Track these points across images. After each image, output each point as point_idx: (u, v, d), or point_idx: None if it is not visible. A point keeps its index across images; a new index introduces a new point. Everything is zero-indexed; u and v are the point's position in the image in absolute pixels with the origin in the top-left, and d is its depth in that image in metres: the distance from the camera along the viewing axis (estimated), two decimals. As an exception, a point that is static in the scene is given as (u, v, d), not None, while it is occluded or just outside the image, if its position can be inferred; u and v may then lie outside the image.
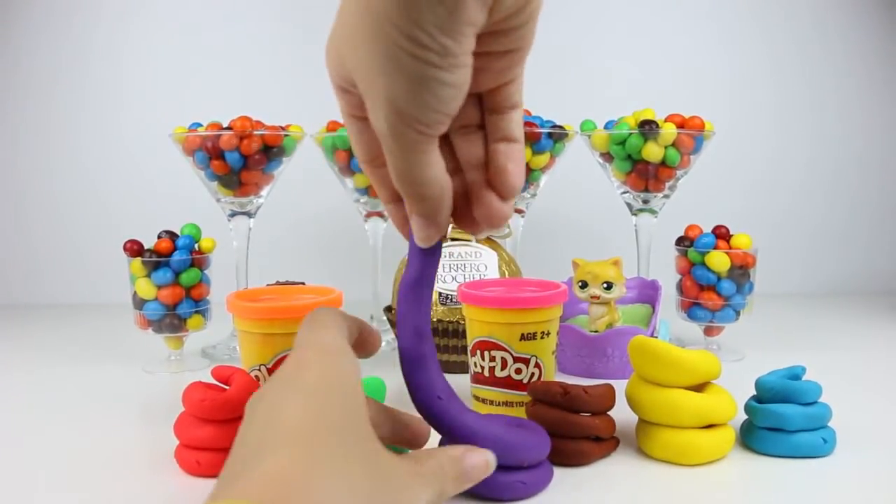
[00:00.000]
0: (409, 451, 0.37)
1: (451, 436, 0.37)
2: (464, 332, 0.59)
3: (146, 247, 0.65)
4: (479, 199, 0.34)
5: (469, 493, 0.38)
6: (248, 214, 0.74)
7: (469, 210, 0.35)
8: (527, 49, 0.31)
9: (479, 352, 0.51)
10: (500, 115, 0.33)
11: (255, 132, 0.68)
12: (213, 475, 0.42)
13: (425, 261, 0.37)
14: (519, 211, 0.79)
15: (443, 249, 0.68)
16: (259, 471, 0.25)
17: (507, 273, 0.69)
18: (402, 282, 0.38)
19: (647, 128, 0.69)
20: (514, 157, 0.34)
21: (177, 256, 0.64)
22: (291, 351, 0.32)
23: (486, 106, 0.34)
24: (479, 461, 0.35)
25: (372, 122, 0.31)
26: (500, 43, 0.30)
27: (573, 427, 0.43)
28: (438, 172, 0.32)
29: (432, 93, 0.28)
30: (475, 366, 0.52)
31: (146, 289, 0.64)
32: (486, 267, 0.67)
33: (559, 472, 0.41)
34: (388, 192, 0.37)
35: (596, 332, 0.64)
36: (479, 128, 0.34)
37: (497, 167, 0.34)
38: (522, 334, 0.50)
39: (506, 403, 0.51)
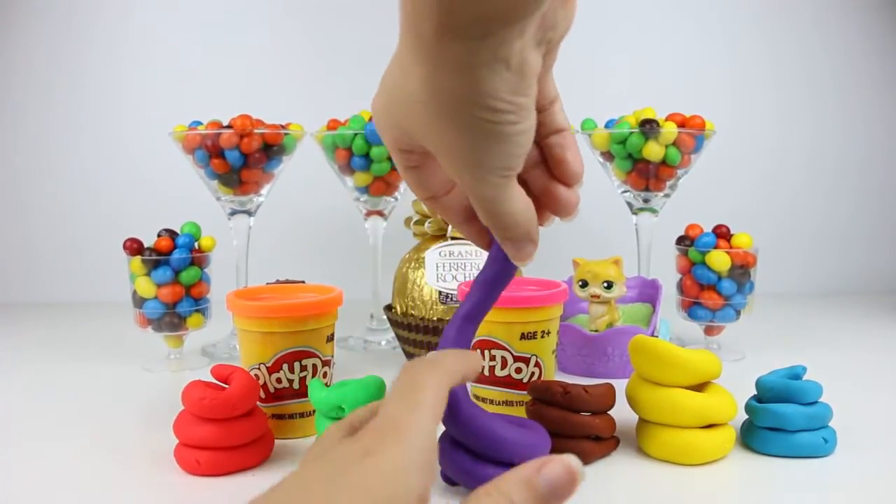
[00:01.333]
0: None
1: (454, 421, 0.36)
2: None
3: (146, 245, 0.65)
4: (548, 193, 0.35)
5: (469, 492, 0.38)
6: (248, 213, 0.74)
7: (539, 210, 0.36)
8: (556, 51, 0.33)
9: (479, 351, 0.51)
10: (544, 112, 0.34)
11: (256, 131, 0.68)
12: (213, 474, 0.42)
13: (490, 294, 0.38)
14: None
15: (443, 249, 0.68)
16: None
17: (507, 272, 0.68)
18: (458, 314, 0.38)
19: (648, 127, 0.69)
20: (568, 145, 0.35)
21: (177, 255, 0.64)
22: (382, 409, 0.27)
23: None
24: (559, 473, 0.27)
25: (457, 180, 0.33)
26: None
27: (573, 426, 0.43)
28: (524, 200, 0.33)
29: (513, 143, 0.30)
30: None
31: (146, 287, 0.64)
32: (486, 266, 0.67)
33: (559, 472, 0.41)
34: (455, 216, 0.38)
35: (596, 331, 0.64)
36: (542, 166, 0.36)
37: (556, 159, 0.35)
38: (522, 333, 0.50)
39: (506, 402, 0.51)
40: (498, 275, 0.38)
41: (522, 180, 0.36)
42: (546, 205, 0.36)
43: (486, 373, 0.51)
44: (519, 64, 0.28)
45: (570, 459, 0.27)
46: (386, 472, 0.24)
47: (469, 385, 0.53)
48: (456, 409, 0.36)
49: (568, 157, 0.35)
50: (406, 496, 0.24)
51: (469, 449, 0.37)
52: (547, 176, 0.35)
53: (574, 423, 0.43)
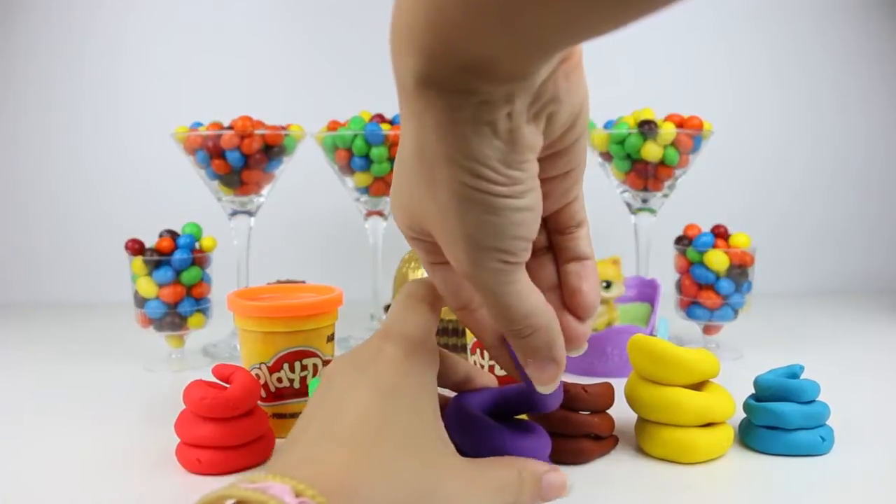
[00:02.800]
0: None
1: (456, 419, 0.37)
2: (464, 330, 0.59)
3: (147, 245, 0.65)
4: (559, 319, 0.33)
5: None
6: (249, 213, 0.74)
7: None
8: (583, 166, 0.31)
9: (478, 350, 0.51)
10: (568, 235, 0.33)
11: (256, 132, 0.68)
12: (215, 473, 0.42)
13: (500, 405, 0.37)
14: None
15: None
16: (318, 461, 0.27)
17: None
18: (466, 398, 0.37)
19: (647, 127, 0.70)
20: (587, 275, 0.33)
21: (178, 255, 0.64)
22: (379, 329, 0.34)
23: (551, 228, 0.33)
24: (558, 482, 0.33)
25: (454, 266, 0.30)
26: (558, 165, 0.30)
27: (572, 425, 0.43)
28: (538, 301, 0.31)
29: (508, 220, 0.28)
30: (475, 364, 0.52)
31: (147, 287, 0.64)
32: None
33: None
34: (489, 336, 0.36)
35: (595, 330, 0.64)
36: (548, 250, 0.34)
37: (571, 289, 0.33)
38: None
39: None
40: (521, 398, 0.36)
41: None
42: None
43: (486, 372, 0.51)
44: (507, 132, 0.26)
45: (568, 478, 0.34)
46: (392, 360, 0.31)
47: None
48: (464, 421, 0.36)
49: (584, 289, 0.33)
50: (408, 377, 0.31)
51: (470, 453, 0.37)
52: (560, 304, 0.34)
53: (573, 421, 0.43)
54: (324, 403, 0.31)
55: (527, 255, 0.30)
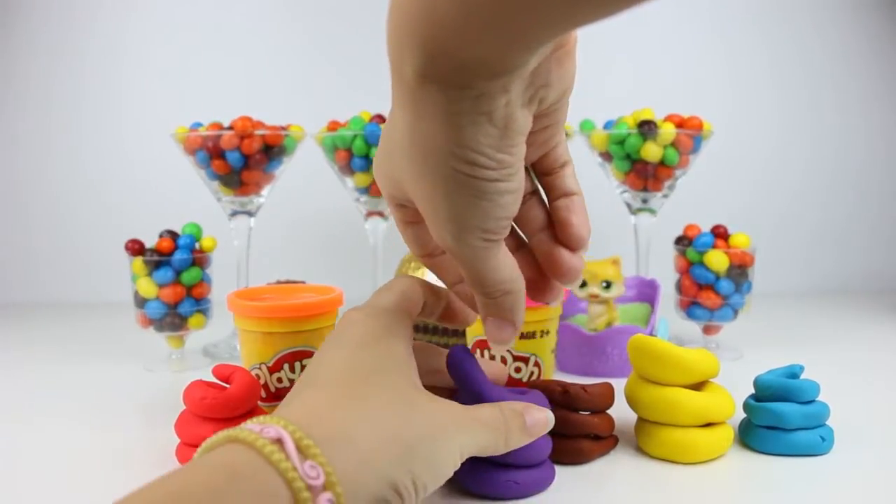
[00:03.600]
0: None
1: (465, 389, 0.38)
2: (464, 331, 0.59)
3: (147, 246, 0.65)
4: (550, 257, 0.35)
5: (467, 492, 0.39)
6: (249, 214, 0.74)
7: (540, 280, 0.36)
8: (564, 117, 0.32)
9: (478, 350, 0.51)
10: (554, 175, 0.34)
11: (256, 132, 0.68)
12: (215, 473, 0.42)
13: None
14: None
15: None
16: (297, 401, 0.30)
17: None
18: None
19: (646, 128, 0.70)
20: (575, 209, 0.34)
21: (178, 255, 0.64)
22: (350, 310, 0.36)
23: (538, 171, 0.35)
24: (541, 418, 0.36)
25: (437, 239, 0.32)
26: (540, 123, 0.31)
27: (572, 425, 0.43)
28: (511, 271, 0.32)
29: (494, 203, 0.29)
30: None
31: (147, 288, 0.64)
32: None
33: (558, 471, 0.42)
34: (450, 277, 0.38)
35: (595, 330, 0.64)
36: (534, 193, 0.35)
37: (561, 222, 0.34)
38: (522, 333, 0.50)
39: (505, 402, 0.51)
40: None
41: (528, 246, 0.36)
42: (548, 269, 0.35)
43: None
44: (503, 119, 0.27)
45: (548, 413, 0.37)
46: (361, 321, 0.34)
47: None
48: (471, 383, 0.37)
49: (573, 221, 0.34)
50: (378, 332, 0.34)
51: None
52: (552, 240, 0.35)
53: (573, 421, 0.43)
54: (309, 365, 0.33)
55: (506, 232, 0.31)
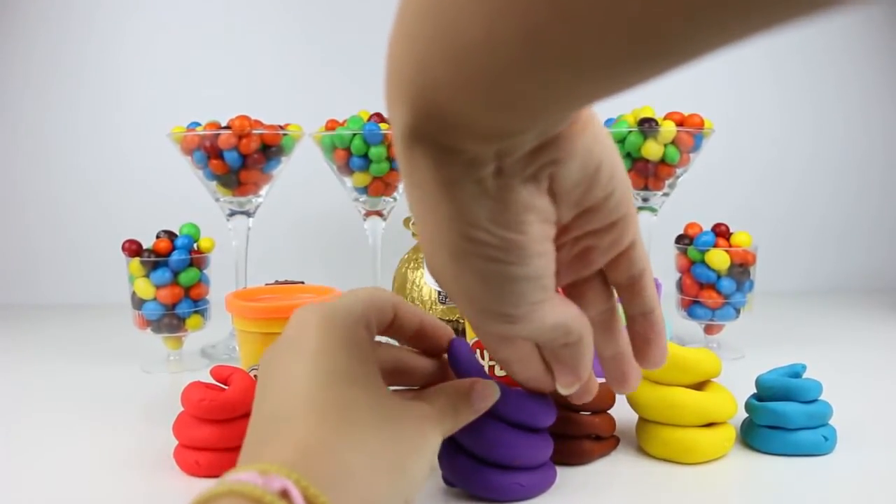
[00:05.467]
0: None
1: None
2: (463, 331, 0.59)
3: (145, 247, 0.65)
4: (615, 368, 0.34)
5: (469, 494, 0.38)
6: (247, 214, 0.74)
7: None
8: (632, 214, 0.30)
9: (478, 351, 0.51)
10: (630, 288, 0.32)
11: (254, 131, 0.68)
12: (213, 475, 0.42)
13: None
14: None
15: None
16: (281, 439, 0.27)
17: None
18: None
19: (647, 126, 0.69)
20: (654, 332, 0.33)
21: (175, 256, 0.64)
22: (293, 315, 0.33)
23: (612, 280, 0.33)
24: (487, 391, 0.35)
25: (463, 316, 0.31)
26: (597, 219, 0.29)
27: (573, 426, 0.43)
28: (566, 324, 0.30)
29: (507, 289, 0.27)
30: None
31: (145, 289, 0.64)
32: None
33: (559, 471, 0.41)
34: (525, 377, 0.35)
35: (596, 330, 0.64)
36: (613, 309, 0.34)
37: (636, 342, 0.33)
38: (522, 333, 0.49)
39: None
40: (516, 408, 0.37)
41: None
42: (608, 375, 0.34)
43: (486, 372, 0.51)
44: (498, 191, 0.25)
45: (495, 386, 0.35)
46: (316, 326, 0.31)
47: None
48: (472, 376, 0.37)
49: (650, 345, 0.33)
50: (334, 338, 0.31)
51: (470, 454, 0.37)
52: (614, 344, 0.34)
53: (574, 422, 0.43)
54: (267, 386, 0.30)
55: (538, 313, 0.29)
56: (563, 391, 0.34)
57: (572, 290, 0.33)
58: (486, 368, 0.50)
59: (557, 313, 0.29)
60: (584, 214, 0.29)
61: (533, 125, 0.23)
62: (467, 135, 0.24)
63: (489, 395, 0.35)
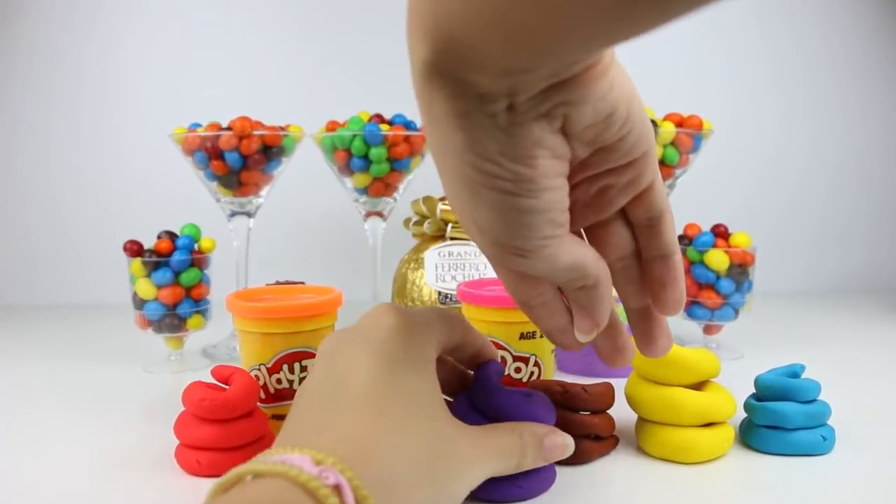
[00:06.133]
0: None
1: (480, 392, 0.38)
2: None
3: (146, 247, 0.65)
4: (639, 328, 0.35)
5: (468, 495, 0.38)
6: (248, 214, 0.74)
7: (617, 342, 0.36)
8: (650, 153, 0.30)
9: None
10: (649, 229, 0.32)
11: (255, 132, 0.68)
12: (214, 475, 0.42)
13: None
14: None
15: (442, 249, 0.68)
16: (337, 429, 0.28)
17: (506, 272, 0.69)
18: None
19: (646, 127, 0.69)
20: (671, 276, 0.33)
21: (177, 256, 0.64)
22: (373, 307, 0.34)
23: (632, 220, 0.33)
24: (560, 442, 0.36)
25: (481, 251, 0.32)
26: (614, 157, 0.29)
27: (572, 426, 0.43)
28: (583, 267, 0.30)
29: (517, 221, 0.28)
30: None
31: (146, 289, 0.64)
32: (485, 266, 0.67)
33: (559, 471, 0.41)
34: (547, 326, 0.35)
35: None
36: (636, 254, 0.33)
37: (653, 286, 0.33)
38: (522, 333, 0.50)
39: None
40: (518, 409, 0.37)
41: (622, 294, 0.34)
42: (635, 331, 0.35)
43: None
44: (509, 125, 0.26)
45: (568, 438, 0.37)
46: (391, 330, 0.32)
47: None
48: (485, 383, 0.38)
49: (667, 297, 0.33)
50: (408, 346, 0.32)
51: (484, 414, 0.38)
52: (640, 296, 0.34)
53: (573, 422, 0.43)
54: (329, 372, 0.31)
55: (550, 250, 0.29)
56: (580, 338, 0.34)
57: (593, 233, 0.33)
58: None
59: (571, 253, 0.30)
60: (600, 153, 0.29)
61: (542, 63, 0.24)
62: (480, 69, 0.24)
63: (562, 448, 0.36)
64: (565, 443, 0.36)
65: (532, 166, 0.27)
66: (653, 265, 0.33)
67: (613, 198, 0.31)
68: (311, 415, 0.29)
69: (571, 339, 0.35)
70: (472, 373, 0.40)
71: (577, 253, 0.30)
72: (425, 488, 0.28)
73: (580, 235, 0.34)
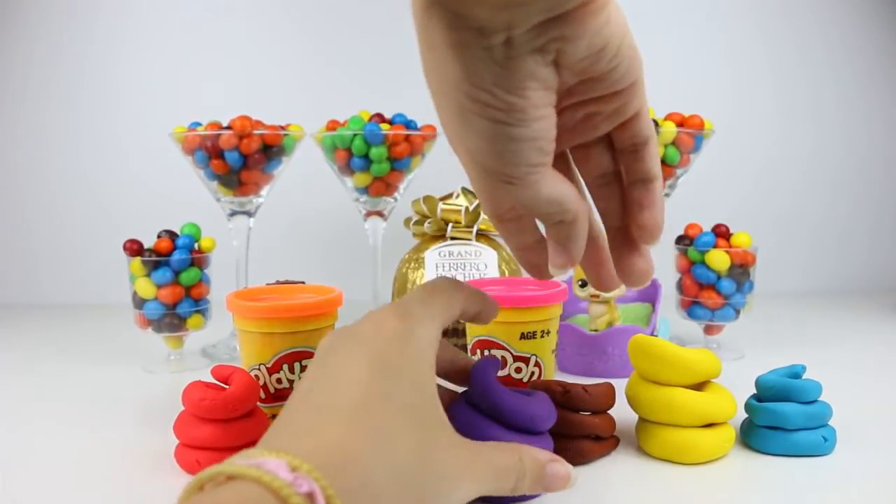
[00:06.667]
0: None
1: (478, 391, 0.38)
2: (464, 331, 0.59)
3: (146, 246, 0.65)
4: (619, 254, 0.34)
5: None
6: (248, 214, 0.74)
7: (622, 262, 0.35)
8: (638, 84, 0.31)
9: (478, 351, 0.51)
10: (632, 154, 0.33)
11: (255, 131, 0.68)
12: (213, 474, 0.42)
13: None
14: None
15: (443, 249, 0.68)
16: (318, 433, 0.27)
17: (506, 272, 0.69)
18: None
19: (647, 126, 0.69)
20: (650, 199, 0.33)
21: (177, 256, 0.64)
22: (384, 305, 0.34)
23: (616, 147, 0.33)
24: (562, 472, 0.35)
25: (470, 179, 0.32)
26: (602, 86, 0.30)
27: (573, 426, 0.43)
28: (562, 201, 0.31)
29: (507, 148, 0.29)
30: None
31: (146, 288, 0.64)
32: (486, 266, 0.67)
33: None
34: (516, 242, 0.37)
35: (596, 330, 0.64)
36: (616, 175, 0.34)
37: (631, 212, 0.33)
38: (522, 333, 0.50)
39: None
40: (516, 413, 0.37)
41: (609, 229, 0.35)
42: (617, 266, 0.35)
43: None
44: (504, 58, 0.27)
45: (571, 469, 0.35)
46: (393, 335, 0.32)
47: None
48: (483, 382, 0.38)
49: (644, 213, 0.33)
50: (408, 353, 0.31)
51: (484, 413, 0.38)
52: (623, 238, 0.34)
53: (574, 422, 0.43)
54: (323, 375, 0.30)
55: (536, 178, 0.30)
56: (553, 272, 0.34)
57: (577, 152, 0.34)
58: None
59: (554, 187, 0.31)
60: (588, 82, 0.30)
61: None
62: (479, 2, 0.25)
63: (564, 479, 0.35)
64: (568, 474, 0.35)
65: (524, 97, 0.28)
66: (633, 189, 0.34)
67: (599, 124, 0.32)
68: (296, 418, 0.29)
69: (539, 260, 0.35)
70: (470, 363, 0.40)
71: (559, 187, 0.31)
72: (409, 500, 0.28)
73: (565, 156, 0.35)
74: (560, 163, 0.34)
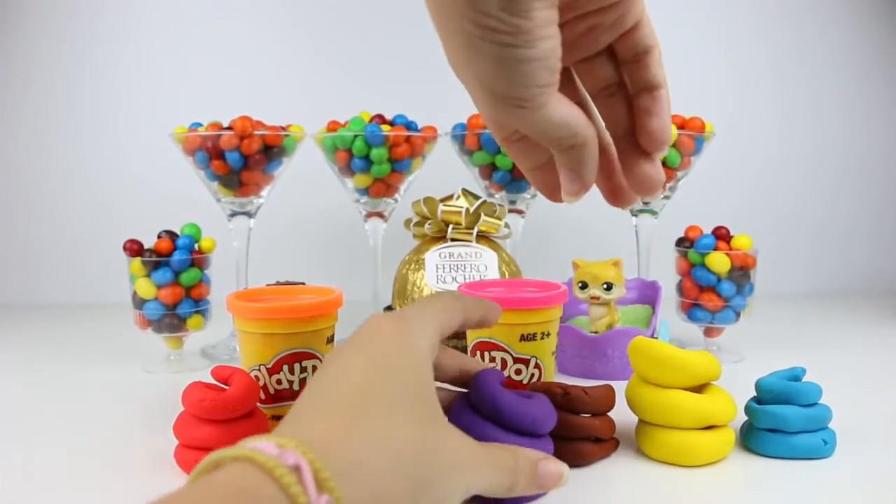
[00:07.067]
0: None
1: (478, 392, 0.38)
2: (464, 332, 0.59)
3: (146, 246, 0.65)
4: (628, 163, 0.34)
5: (469, 497, 0.38)
6: (249, 214, 0.74)
7: (617, 183, 0.36)
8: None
9: (479, 353, 0.51)
10: (636, 63, 0.33)
11: (256, 132, 0.68)
12: (213, 475, 0.42)
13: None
14: (519, 211, 0.79)
15: (443, 250, 0.68)
16: (312, 422, 0.28)
17: (507, 273, 0.69)
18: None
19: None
20: (655, 106, 0.33)
21: (177, 256, 0.64)
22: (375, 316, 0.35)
23: (619, 58, 0.34)
24: (554, 470, 0.35)
25: (479, 110, 0.33)
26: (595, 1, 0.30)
27: (573, 428, 0.43)
28: (571, 125, 0.31)
29: (516, 70, 0.29)
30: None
31: (146, 288, 0.64)
32: (486, 267, 0.67)
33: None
34: (527, 163, 0.37)
35: (596, 332, 0.64)
36: (621, 86, 0.34)
37: (639, 120, 0.34)
38: (522, 335, 0.50)
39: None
40: (517, 414, 0.37)
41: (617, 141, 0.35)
42: (627, 177, 0.35)
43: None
44: None
45: (564, 467, 0.36)
46: (389, 336, 0.33)
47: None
48: (483, 384, 0.38)
49: (651, 120, 0.33)
50: (404, 353, 0.32)
51: (483, 415, 0.38)
52: (632, 146, 0.34)
53: (574, 424, 0.43)
54: (322, 377, 0.31)
55: (545, 98, 0.30)
56: (567, 199, 0.35)
57: (581, 66, 0.34)
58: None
59: (562, 109, 0.31)
60: None
61: None
62: None
63: (557, 477, 0.35)
64: (560, 471, 0.35)
65: (529, 18, 0.28)
66: (639, 98, 0.34)
67: (599, 36, 0.32)
68: (293, 415, 0.30)
69: (551, 181, 0.36)
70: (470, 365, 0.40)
71: (568, 109, 0.31)
72: (406, 486, 0.28)
73: (571, 79, 0.35)
74: (566, 87, 0.34)
